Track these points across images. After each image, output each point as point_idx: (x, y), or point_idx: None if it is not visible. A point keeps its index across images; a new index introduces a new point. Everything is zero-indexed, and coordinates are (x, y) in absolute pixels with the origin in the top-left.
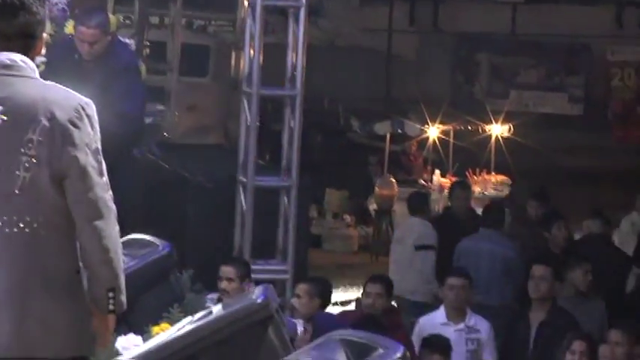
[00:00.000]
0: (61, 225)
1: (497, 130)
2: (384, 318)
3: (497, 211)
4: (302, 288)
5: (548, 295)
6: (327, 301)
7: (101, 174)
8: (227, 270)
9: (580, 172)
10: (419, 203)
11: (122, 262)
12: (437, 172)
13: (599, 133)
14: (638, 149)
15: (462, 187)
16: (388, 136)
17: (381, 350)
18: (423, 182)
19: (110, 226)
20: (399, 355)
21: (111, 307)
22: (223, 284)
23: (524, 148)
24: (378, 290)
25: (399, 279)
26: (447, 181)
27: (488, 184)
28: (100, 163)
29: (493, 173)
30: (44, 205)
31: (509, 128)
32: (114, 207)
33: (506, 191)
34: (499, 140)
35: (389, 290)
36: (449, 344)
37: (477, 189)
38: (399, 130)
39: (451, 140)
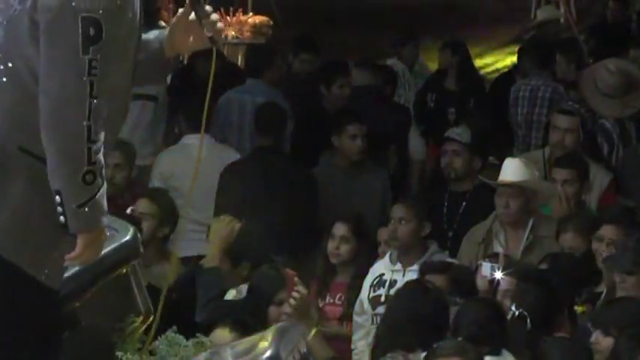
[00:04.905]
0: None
1: None
2: (126, 193)
3: (262, 55)
4: None
5: None
6: None
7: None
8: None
9: (360, 11)
10: None
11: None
12: (180, 11)
13: None
14: None
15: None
16: None
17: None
18: (163, 24)
19: None
20: (128, 237)
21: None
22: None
23: None
24: (116, 160)
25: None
26: None
27: (245, 28)
28: None
29: (251, 13)
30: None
31: None
32: None
33: (267, 36)
34: None
35: (129, 159)
36: None
37: (230, 33)
38: None
39: None
